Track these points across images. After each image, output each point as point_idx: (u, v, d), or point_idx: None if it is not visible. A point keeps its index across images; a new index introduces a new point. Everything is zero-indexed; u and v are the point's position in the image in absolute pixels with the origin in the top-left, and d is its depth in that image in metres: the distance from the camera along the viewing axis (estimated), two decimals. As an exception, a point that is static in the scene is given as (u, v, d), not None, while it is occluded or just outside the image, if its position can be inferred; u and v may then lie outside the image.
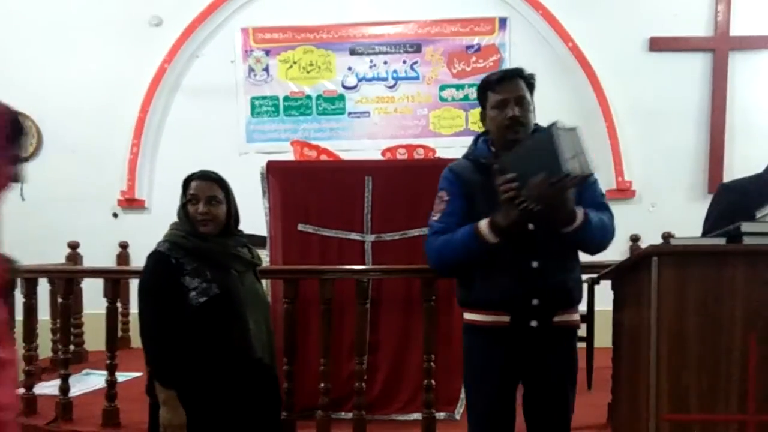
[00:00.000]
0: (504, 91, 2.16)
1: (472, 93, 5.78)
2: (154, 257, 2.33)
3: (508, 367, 2.19)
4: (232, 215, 2.43)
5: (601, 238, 2.19)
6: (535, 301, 2.13)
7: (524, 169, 1.98)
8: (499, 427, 2.23)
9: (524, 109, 2.15)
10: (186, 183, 2.39)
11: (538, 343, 2.16)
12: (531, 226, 2.10)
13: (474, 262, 2.17)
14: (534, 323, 2.14)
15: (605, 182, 5.67)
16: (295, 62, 6.05)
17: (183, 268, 2.29)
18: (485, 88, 2.22)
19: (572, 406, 2.27)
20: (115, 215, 6.08)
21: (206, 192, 2.35)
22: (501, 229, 2.06)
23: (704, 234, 2.28)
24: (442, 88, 5.97)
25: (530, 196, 1.97)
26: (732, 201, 2.41)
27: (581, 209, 2.10)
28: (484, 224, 2.09)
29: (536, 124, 2.22)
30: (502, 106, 2.15)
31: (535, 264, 2.12)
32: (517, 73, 2.20)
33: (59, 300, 3.70)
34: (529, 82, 2.21)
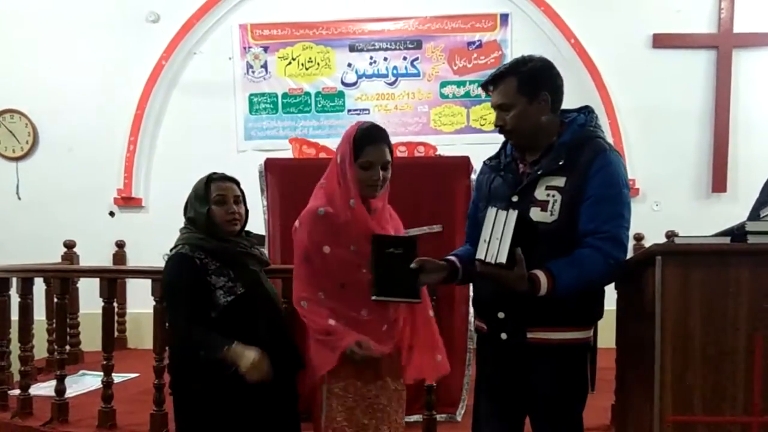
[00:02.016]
0: (492, 97, 2.08)
1: (473, 90, 5.79)
2: (178, 258, 2.31)
3: (494, 376, 2.13)
4: (247, 215, 2.47)
5: (587, 285, 1.97)
6: (500, 314, 2.03)
7: None
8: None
9: (508, 115, 2.01)
10: (207, 185, 2.38)
11: (515, 358, 2.04)
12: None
13: None
14: (504, 336, 2.03)
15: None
16: (293, 59, 6.02)
17: (207, 268, 2.30)
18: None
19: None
20: (112, 214, 6.05)
21: (232, 192, 2.39)
22: None
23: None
24: (443, 84, 5.93)
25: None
26: None
27: (545, 274, 1.89)
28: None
29: (566, 111, 2.10)
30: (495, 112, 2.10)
31: None
32: (508, 72, 2.03)
33: (55, 300, 3.69)
34: (526, 77, 2.01)
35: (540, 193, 1.98)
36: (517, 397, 2.09)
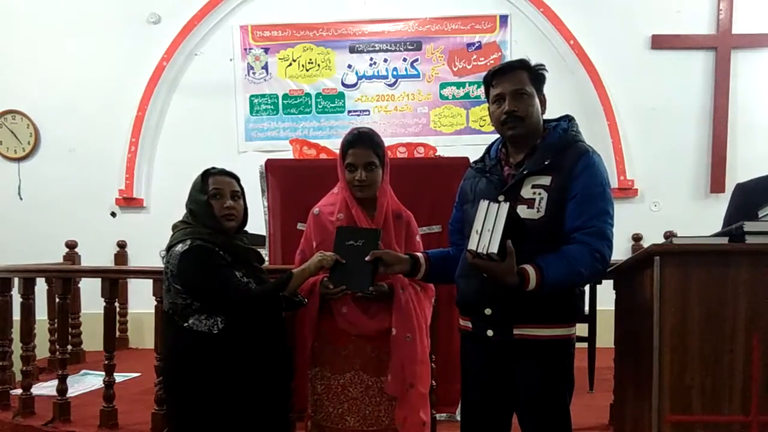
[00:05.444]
0: (501, 84, 2.08)
1: (473, 91, 5.81)
2: (198, 250, 2.23)
3: (480, 374, 2.14)
4: (246, 213, 2.44)
5: (575, 279, 1.98)
6: (487, 311, 2.04)
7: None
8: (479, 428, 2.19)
9: (523, 102, 2.04)
10: (204, 179, 2.34)
11: (502, 354, 2.06)
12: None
13: None
14: (490, 333, 2.04)
15: (607, 181, 5.65)
16: (294, 60, 6.03)
17: (226, 260, 2.28)
18: (486, 82, 2.16)
19: (551, 427, 2.09)
20: (114, 214, 6.06)
21: (230, 187, 2.35)
22: None
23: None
24: (443, 86, 5.94)
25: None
26: (740, 204, 2.43)
27: (534, 268, 1.91)
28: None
29: (547, 121, 2.15)
30: (499, 100, 2.09)
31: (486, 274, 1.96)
32: (519, 65, 2.10)
33: (57, 300, 3.68)
34: (536, 73, 2.09)
35: (526, 192, 2.01)
36: (504, 394, 2.10)
